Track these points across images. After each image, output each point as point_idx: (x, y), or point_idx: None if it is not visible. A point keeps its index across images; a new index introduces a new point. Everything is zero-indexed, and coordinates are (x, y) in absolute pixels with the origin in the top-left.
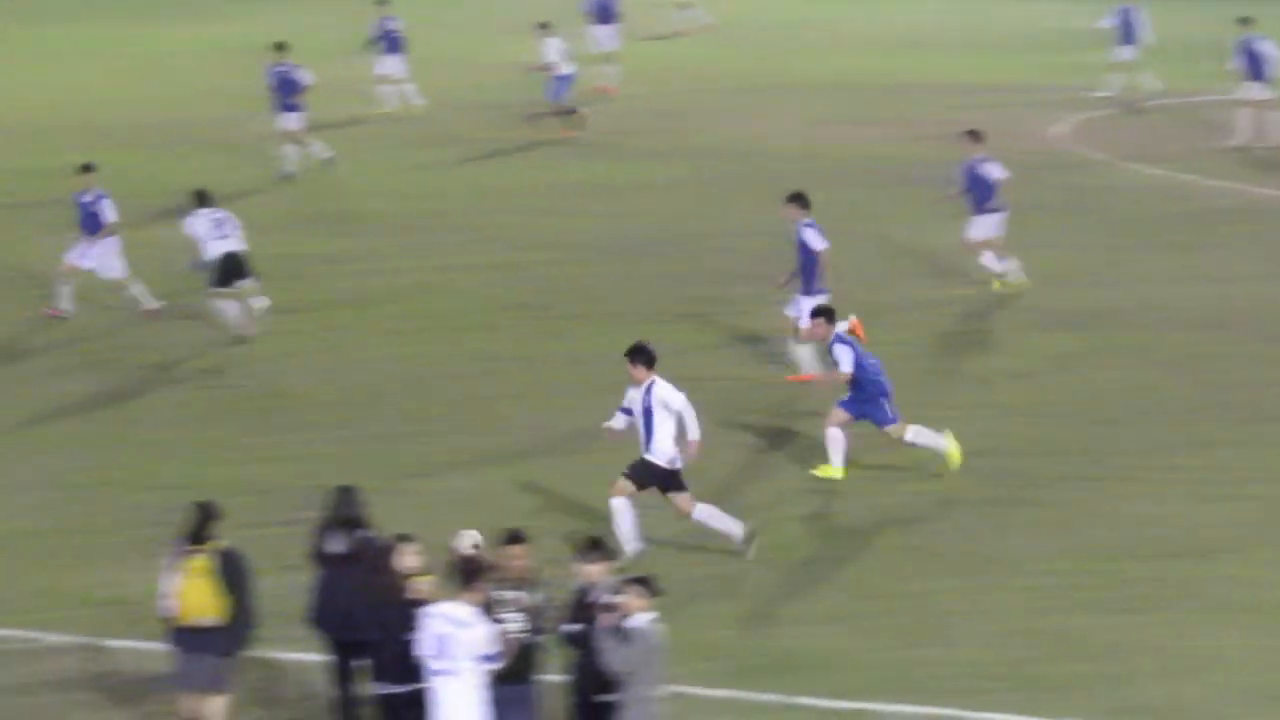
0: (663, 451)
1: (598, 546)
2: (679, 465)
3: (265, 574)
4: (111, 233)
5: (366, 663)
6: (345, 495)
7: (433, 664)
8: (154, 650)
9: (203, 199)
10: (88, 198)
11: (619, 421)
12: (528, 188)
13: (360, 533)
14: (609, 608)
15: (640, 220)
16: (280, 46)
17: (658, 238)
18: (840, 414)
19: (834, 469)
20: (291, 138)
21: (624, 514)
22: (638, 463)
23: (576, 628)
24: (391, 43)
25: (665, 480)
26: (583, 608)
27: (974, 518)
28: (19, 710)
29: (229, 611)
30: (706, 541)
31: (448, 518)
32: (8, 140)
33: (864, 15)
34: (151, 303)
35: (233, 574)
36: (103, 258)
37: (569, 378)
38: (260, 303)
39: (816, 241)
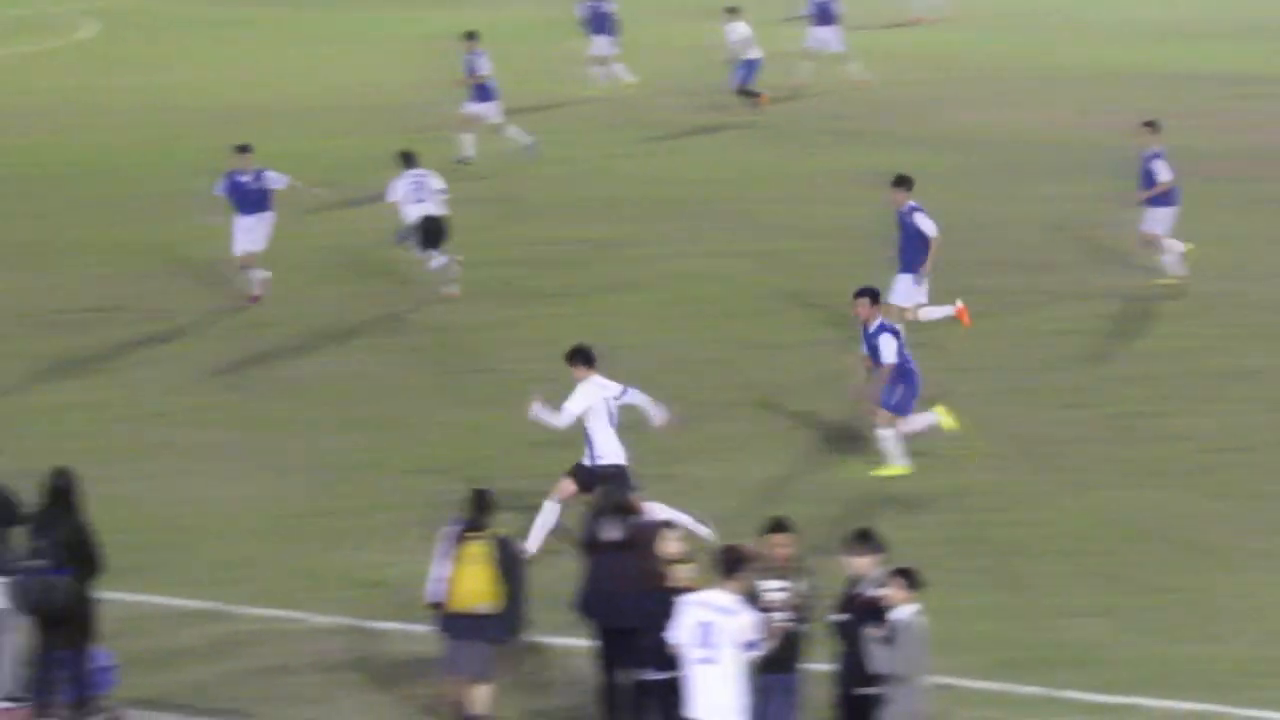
0: (609, 452)
1: (866, 538)
2: (616, 462)
3: (531, 559)
4: (268, 207)
5: (633, 649)
6: (614, 482)
7: (693, 651)
8: (420, 634)
9: (408, 160)
10: (246, 177)
11: (547, 412)
12: (790, 175)
13: (632, 519)
14: (874, 601)
15: None
16: (470, 35)
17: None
18: (887, 414)
19: (897, 468)
20: (487, 126)
21: (673, 512)
22: (607, 475)
23: (843, 618)
24: (600, 23)
25: (592, 478)
26: (850, 599)
27: (1244, 513)
28: (285, 691)
29: (502, 600)
30: (970, 533)
31: (712, 504)
32: (275, 122)
33: (1129, 3)
34: (259, 289)
35: (508, 562)
36: (254, 232)
37: (839, 366)
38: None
39: (929, 227)
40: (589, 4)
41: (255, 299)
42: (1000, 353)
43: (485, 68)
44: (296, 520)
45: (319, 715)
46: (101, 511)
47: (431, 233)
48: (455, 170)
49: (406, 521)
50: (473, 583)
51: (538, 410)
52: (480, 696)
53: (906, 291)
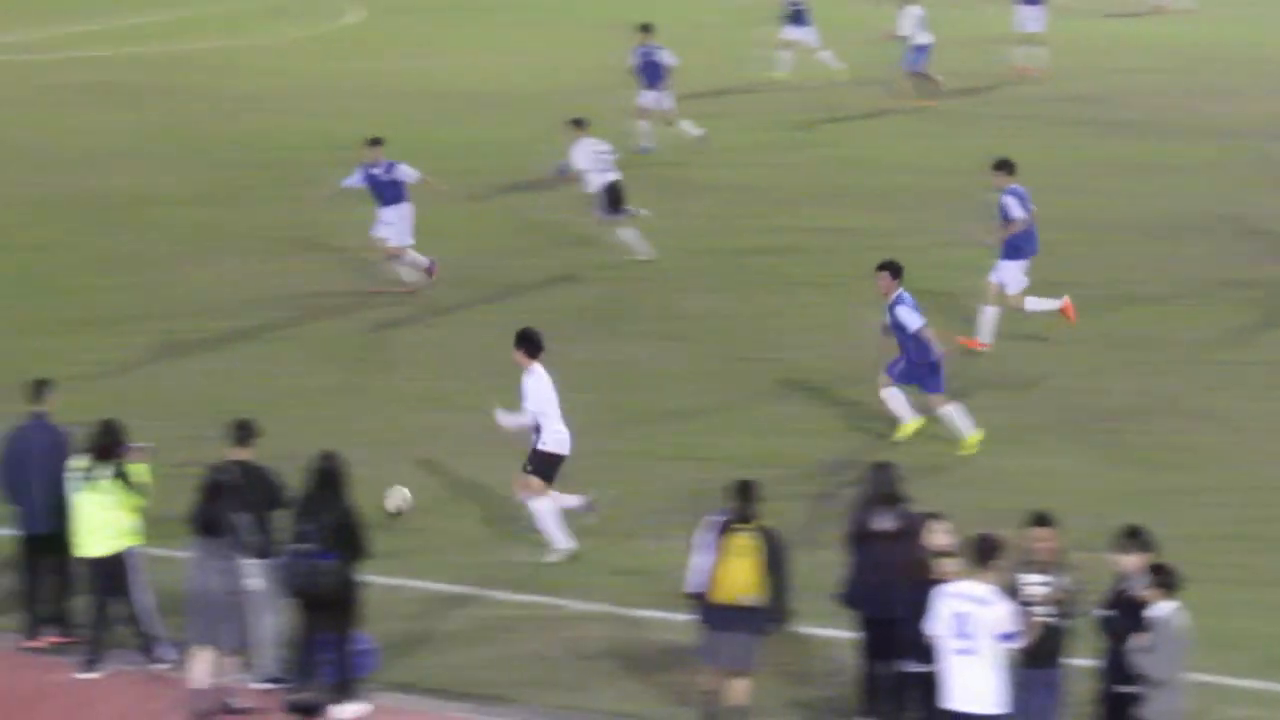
0: (554, 440)
1: (1135, 536)
2: (560, 451)
3: (792, 546)
4: (405, 199)
5: (897, 640)
6: (883, 471)
7: (950, 643)
8: (679, 623)
9: (580, 125)
10: (377, 170)
11: (512, 417)
12: (1049, 165)
13: (902, 509)
14: (1137, 599)
15: (1168, 200)
16: (645, 28)
17: (1187, 219)
18: (939, 400)
19: (907, 426)
20: (649, 116)
21: (547, 514)
22: (532, 455)
23: (1108, 614)
24: (797, 16)
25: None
26: (1116, 596)
27: None
28: (542, 676)
29: (766, 592)
30: (1237, 529)
31: (976, 497)
32: (532, 106)
33: None
34: (415, 278)
35: (774, 554)
36: (395, 225)
37: (1102, 359)
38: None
39: (1015, 210)
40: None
41: (410, 289)
42: (1269, 346)
43: (670, 61)
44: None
45: (576, 701)
46: (363, 495)
47: (615, 198)
48: (703, 159)
49: (669, 509)
50: (738, 575)
51: (501, 419)
52: (739, 688)
53: (1015, 278)
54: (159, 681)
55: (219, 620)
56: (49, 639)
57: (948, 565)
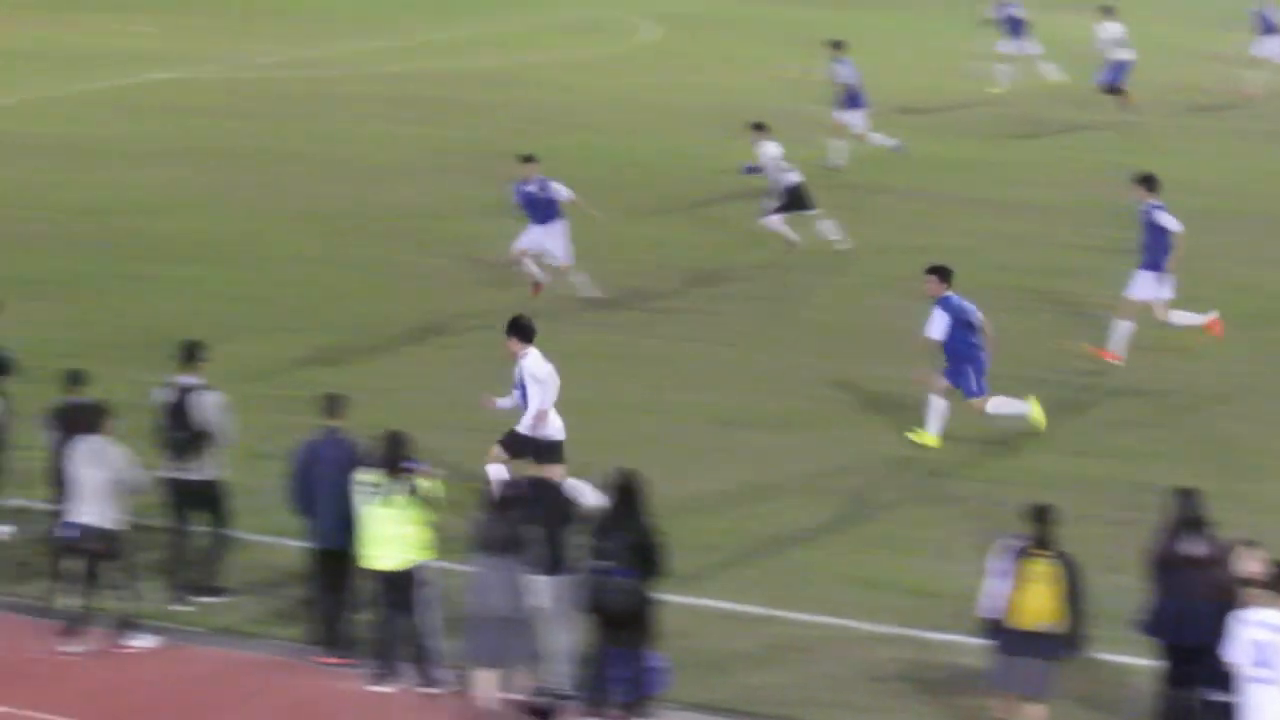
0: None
1: None
2: (556, 437)
3: (1089, 571)
4: (561, 215)
5: (1201, 668)
6: (1189, 497)
7: (1250, 671)
8: (971, 646)
9: (760, 128)
10: (531, 187)
11: (506, 400)
12: None
13: (1210, 534)
14: None
15: None
16: (837, 44)
17: None
18: (939, 380)
19: (929, 437)
20: (844, 133)
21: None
22: (510, 434)
23: None
24: (1013, 25)
25: (538, 451)
26: None
27: None
28: (832, 698)
29: (1064, 618)
30: None
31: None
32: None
33: None
34: (592, 291)
35: (1072, 580)
36: (549, 241)
37: None
38: (829, 228)
39: (1171, 223)
40: (997, 5)
41: (538, 288)
42: None
43: (849, 76)
44: (852, 526)
45: None
46: (663, 512)
47: (802, 198)
48: (978, 177)
49: (961, 529)
50: (1037, 601)
51: (497, 402)
52: (1034, 714)
53: (1145, 286)
54: (446, 698)
55: (505, 638)
56: (336, 653)
57: (1256, 594)
